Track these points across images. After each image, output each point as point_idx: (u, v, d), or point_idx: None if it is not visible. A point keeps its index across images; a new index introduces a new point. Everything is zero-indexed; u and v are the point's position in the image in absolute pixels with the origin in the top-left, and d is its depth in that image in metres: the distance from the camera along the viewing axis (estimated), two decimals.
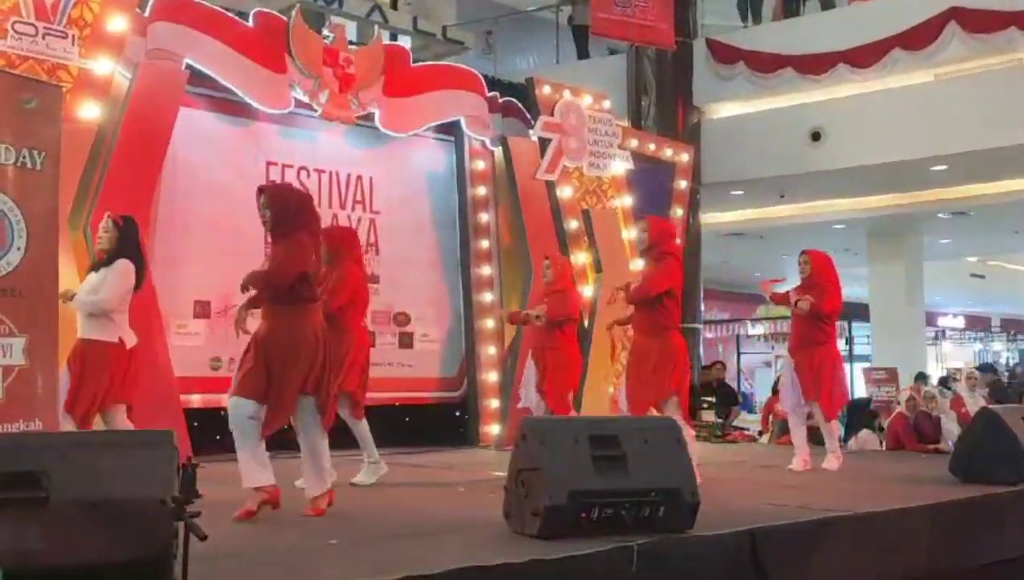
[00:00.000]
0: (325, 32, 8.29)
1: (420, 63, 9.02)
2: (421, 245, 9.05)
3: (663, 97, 12.16)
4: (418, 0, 11.71)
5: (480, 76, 9.32)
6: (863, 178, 12.02)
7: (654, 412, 6.01)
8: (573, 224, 9.45)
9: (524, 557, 3.38)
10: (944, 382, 12.57)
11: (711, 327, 19.01)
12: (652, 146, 10.74)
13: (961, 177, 11.97)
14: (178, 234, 7.46)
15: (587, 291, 9.25)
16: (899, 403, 9.12)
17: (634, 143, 10.39)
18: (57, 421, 4.73)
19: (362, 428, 5.99)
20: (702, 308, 12.76)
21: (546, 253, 7.95)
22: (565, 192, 9.49)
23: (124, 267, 5.26)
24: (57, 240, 4.96)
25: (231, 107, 7.85)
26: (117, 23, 6.78)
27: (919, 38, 10.83)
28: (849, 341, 19.39)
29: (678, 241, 6.49)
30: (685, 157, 10.92)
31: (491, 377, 9.00)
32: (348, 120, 8.31)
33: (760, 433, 10.94)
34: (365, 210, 8.67)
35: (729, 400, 11.52)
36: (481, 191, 9.32)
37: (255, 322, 4.63)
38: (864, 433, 9.81)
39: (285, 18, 7.90)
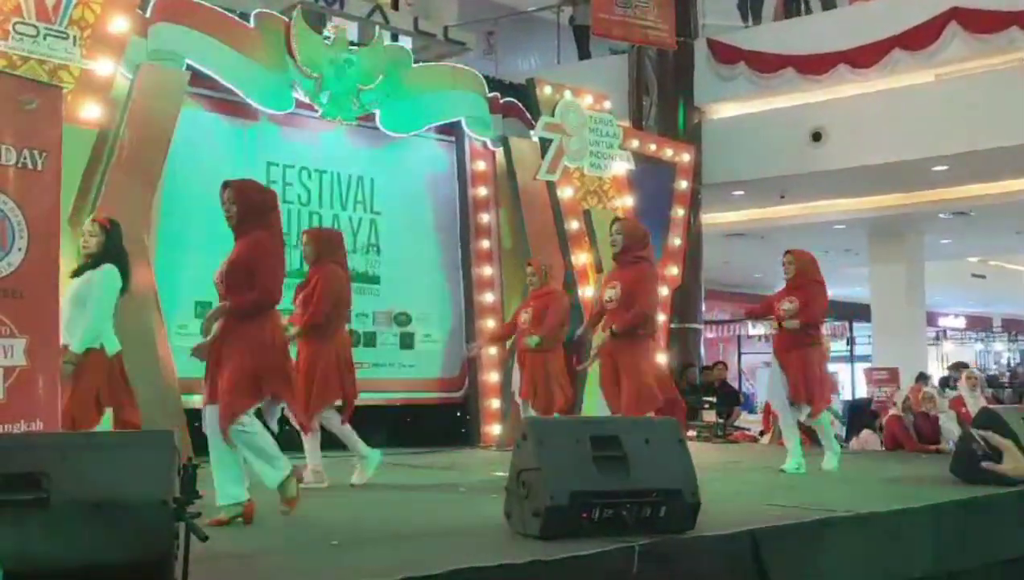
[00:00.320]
0: (326, 33, 8.30)
1: (421, 63, 9.02)
2: (422, 245, 9.05)
3: (664, 97, 12.16)
4: (419, 1, 11.71)
5: (481, 76, 9.33)
6: (864, 178, 12.02)
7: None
8: (574, 224, 9.45)
9: (525, 558, 3.38)
10: (945, 382, 12.55)
11: (712, 327, 19.02)
12: (653, 146, 10.74)
13: (962, 177, 11.97)
14: (179, 235, 7.46)
15: (587, 291, 9.25)
16: (895, 405, 9.09)
17: (635, 143, 10.39)
18: (58, 422, 4.73)
19: (346, 428, 5.93)
20: (703, 308, 12.76)
21: (528, 260, 7.89)
22: (566, 192, 9.50)
23: (110, 274, 5.15)
24: (59, 241, 4.95)
25: (232, 107, 7.86)
26: (118, 24, 6.79)
27: (920, 38, 10.84)
28: (850, 341, 19.39)
29: (651, 244, 6.38)
30: (686, 157, 10.92)
31: (492, 377, 9.00)
32: (349, 121, 8.32)
33: (761, 433, 10.92)
34: (366, 210, 8.67)
35: (730, 400, 11.53)
36: (482, 191, 9.32)
37: None
38: (865, 433, 9.81)
39: (286, 18, 7.91)
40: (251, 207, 4.57)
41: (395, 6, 10.79)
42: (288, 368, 4.68)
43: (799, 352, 6.68)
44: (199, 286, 7.55)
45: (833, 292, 7.79)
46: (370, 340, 8.58)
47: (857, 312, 18.34)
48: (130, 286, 5.38)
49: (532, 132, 9.44)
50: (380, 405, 8.54)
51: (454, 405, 9.11)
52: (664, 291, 10.30)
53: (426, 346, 8.99)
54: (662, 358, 9.91)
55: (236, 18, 7.66)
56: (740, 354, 20.09)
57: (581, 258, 9.40)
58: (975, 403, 9.26)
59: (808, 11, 12.77)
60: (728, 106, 12.52)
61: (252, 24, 7.75)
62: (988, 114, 10.39)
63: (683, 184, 10.82)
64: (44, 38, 6.36)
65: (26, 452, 3.02)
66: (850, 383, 18.77)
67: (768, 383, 6.96)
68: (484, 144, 9.31)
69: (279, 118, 8.06)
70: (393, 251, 8.76)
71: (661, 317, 9.69)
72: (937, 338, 24.79)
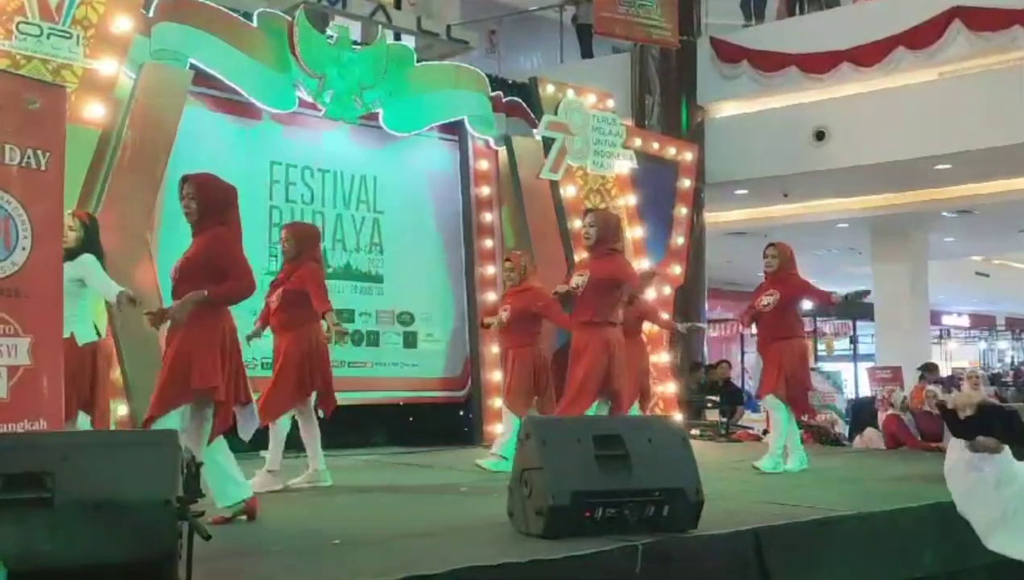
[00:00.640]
0: (329, 32, 8.30)
1: (424, 63, 9.02)
2: (425, 245, 9.05)
3: (667, 96, 12.14)
4: (422, 0, 11.73)
5: (484, 75, 9.33)
6: (867, 177, 12.00)
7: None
8: (577, 223, 9.44)
9: (527, 557, 3.39)
10: (950, 381, 12.53)
11: (715, 326, 19.00)
12: (656, 145, 10.73)
13: (965, 176, 11.94)
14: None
15: None
16: (891, 405, 9.05)
17: (638, 142, 10.38)
18: (62, 421, 4.73)
19: (316, 429, 5.78)
20: (706, 307, 12.75)
21: (507, 255, 7.71)
22: (569, 191, 9.50)
23: (92, 260, 5.18)
24: (62, 241, 4.96)
25: (235, 107, 7.86)
26: (121, 23, 6.79)
27: (923, 37, 10.82)
28: (853, 340, 19.38)
29: (625, 235, 6.30)
30: (689, 156, 10.91)
31: (495, 376, 8.97)
32: (352, 120, 8.32)
33: (764, 432, 10.92)
34: (369, 210, 8.68)
35: (734, 399, 11.52)
36: (485, 191, 9.32)
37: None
38: (869, 431, 9.78)
39: (289, 18, 7.91)
40: (211, 203, 4.53)
41: (398, 5, 10.81)
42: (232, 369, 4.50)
43: (780, 344, 6.60)
44: None
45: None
46: (373, 339, 8.59)
47: (860, 311, 18.32)
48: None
49: (535, 131, 9.44)
50: (382, 404, 8.57)
51: (456, 404, 9.10)
52: (667, 290, 10.31)
53: (429, 345, 8.99)
54: (665, 357, 9.96)
55: (239, 17, 7.67)
56: (743, 353, 20.09)
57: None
58: None
59: (816, 6, 12.74)
60: (731, 105, 12.51)
61: (255, 23, 7.75)
62: (991, 112, 10.37)
63: (686, 183, 10.81)
64: (47, 37, 6.36)
65: (30, 451, 3.02)
66: (853, 382, 18.77)
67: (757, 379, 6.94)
68: (487, 143, 9.31)
69: (282, 117, 8.06)
70: (396, 250, 8.77)
71: (664, 315, 9.69)
72: (940, 337, 24.79)
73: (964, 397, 1.86)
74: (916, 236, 14.91)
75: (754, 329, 7.14)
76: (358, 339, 8.39)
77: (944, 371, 17.93)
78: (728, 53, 12.19)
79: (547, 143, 9.40)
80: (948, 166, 11.43)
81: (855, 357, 19.85)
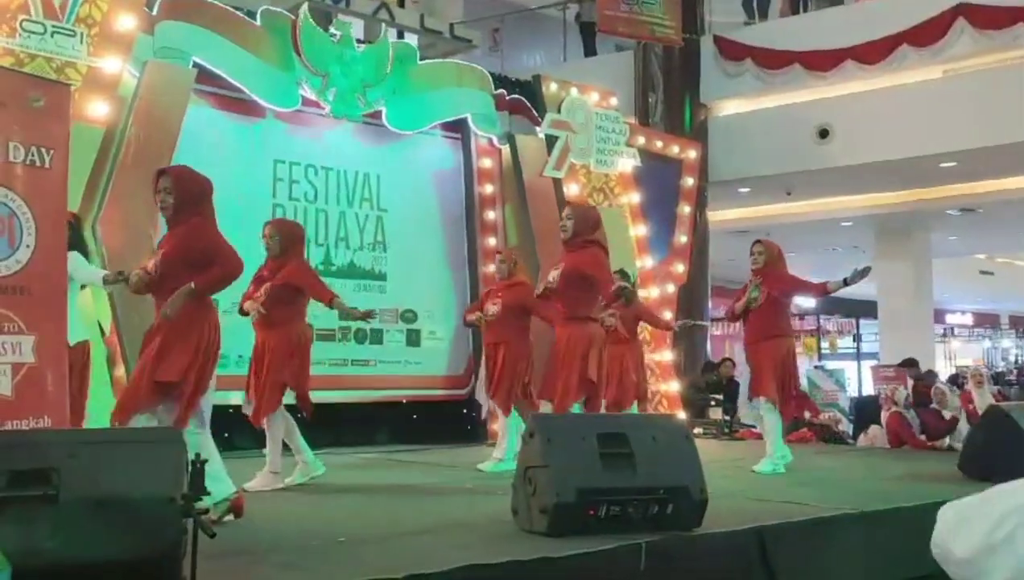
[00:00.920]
0: (332, 30, 8.30)
1: (427, 61, 9.02)
2: (428, 243, 9.05)
3: (670, 94, 12.14)
4: None
5: (487, 74, 9.32)
6: (871, 175, 11.98)
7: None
8: None
9: (532, 555, 3.38)
10: (954, 380, 12.51)
11: (719, 324, 18.97)
12: (659, 143, 10.73)
13: (969, 174, 11.93)
14: None
15: None
16: (895, 403, 9.05)
17: (641, 140, 10.38)
18: (66, 418, 4.74)
19: (292, 421, 5.69)
20: (710, 305, 12.74)
21: (499, 249, 7.68)
22: (572, 189, 9.49)
23: (78, 257, 5.19)
24: (65, 238, 4.96)
25: (239, 105, 7.87)
26: (125, 21, 6.80)
27: (927, 34, 10.80)
28: (857, 338, 19.36)
29: (602, 228, 6.17)
30: (692, 154, 10.91)
31: None
32: (355, 118, 8.32)
33: None
34: (372, 208, 8.68)
35: (737, 397, 11.50)
36: (488, 189, 9.32)
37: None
38: (873, 429, 9.77)
39: (292, 16, 7.91)
40: (188, 197, 4.47)
41: (401, 4, 10.79)
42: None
43: (768, 343, 6.53)
44: None
45: None
46: (376, 337, 8.59)
47: (864, 309, 18.31)
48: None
49: (538, 129, 9.44)
50: (386, 402, 8.57)
51: (460, 402, 9.10)
52: (671, 288, 10.30)
53: (432, 343, 8.99)
54: (667, 355, 9.95)
55: (243, 16, 7.67)
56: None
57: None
58: (982, 400, 9.22)
59: (820, 4, 12.72)
60: (734, 103, 12.50)
61: (258, 22, 7.75)
62: (995, 110, 10.36)
63: (689, 181, 10.81)
64: (51, 36, 6.37)
65: (35, 449, 3.02)
66: (857, 380, 18.75)
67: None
68: (490, 141, 9.31)
69: (286, 115, 8.06)
70: (399, 248, 8.77)
71: (668, 314, 9.69)
72: (944, 335, 24.76)
73: None
74: (920, 234, 14.90)
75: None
76: (361, 337, 8.40)
77: (947, 370, 17.93)
78: (732, 51, 12.18)
79: (550, 141, 9.40)
80: (952, 164, 11.42)
81: (858, 355, 19.84)
